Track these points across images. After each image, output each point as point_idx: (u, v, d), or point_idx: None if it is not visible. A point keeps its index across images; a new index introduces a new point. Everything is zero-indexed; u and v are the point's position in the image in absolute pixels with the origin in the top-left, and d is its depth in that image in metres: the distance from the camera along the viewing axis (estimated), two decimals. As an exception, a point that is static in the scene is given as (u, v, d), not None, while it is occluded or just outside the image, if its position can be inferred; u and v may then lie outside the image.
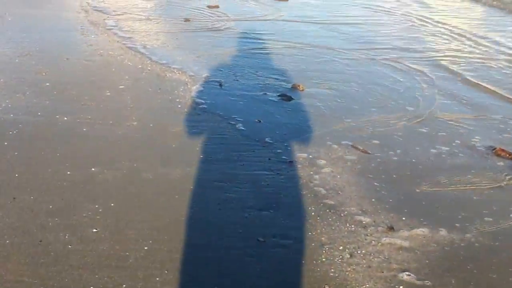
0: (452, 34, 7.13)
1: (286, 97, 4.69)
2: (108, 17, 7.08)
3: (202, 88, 4.77)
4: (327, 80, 5.18)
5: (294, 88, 4.93)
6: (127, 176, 3.26)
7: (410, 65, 5.76)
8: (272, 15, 7.79)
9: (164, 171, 3.35)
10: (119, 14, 7.25)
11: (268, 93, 4.77)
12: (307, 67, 5.54)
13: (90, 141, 3.68)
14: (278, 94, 4.76)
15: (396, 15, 8.36)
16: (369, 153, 3.82)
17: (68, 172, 3.27)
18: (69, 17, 7.00)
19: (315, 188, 3.32)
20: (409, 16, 8.30)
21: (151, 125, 3.97)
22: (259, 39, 6.49)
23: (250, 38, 6.52)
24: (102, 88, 4.60)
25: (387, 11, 8.65)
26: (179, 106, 4.36)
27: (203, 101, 4.47)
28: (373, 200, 3.23)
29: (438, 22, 7.89)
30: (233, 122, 4.11)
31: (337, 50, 6.17)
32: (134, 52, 5.68)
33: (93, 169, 3.32)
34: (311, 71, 5.42)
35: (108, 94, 4.51)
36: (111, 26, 6.65)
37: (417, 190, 3.37)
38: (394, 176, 3.53)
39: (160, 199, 3.06)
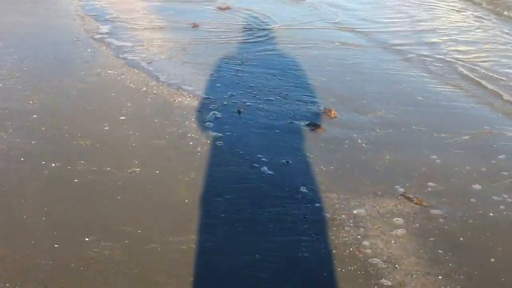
0: None
1: (315, 127, 4.03)
2: (106, 25, 6.42)
3: (218, 117, 4.14)
4: (370, 101, 4.53)
5: (326, 113, 4.26)
6: (128, 248, 2.63)
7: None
8: (299, 19, 7.09)
9: (175, 240, 2.72)
10: (118, 21, 6.60)
11: (295, 121, 4.13)
12: (343, 84, 4.87)
13: (83, 198, 3.05)
14: (306, 122, 4.10)
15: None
16: (426, 206, 3.17)
17: (56, 245, 2.64)
18: (63, 25, 6.37)
19: (365, 260, 2.68)
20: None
21: (157, 171, 3.34)
22: (282, 46, 5.83)
23: (271, 45, 5.86)
24: (99, 120, 3.98)
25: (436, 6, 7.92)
26: (191, 143, 3.73)
27: (219, 135, 3.84)
28: (440, 277, 2.59)
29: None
30: (257, 165, 3.48)
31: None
32: (137, 70, 5.05)
33: (86, 239, 2.69)
34: (349, 88, 4.76)
35: (106, 128, 3.88)
36: (110, 36, 6.01)
37: (492, 260, 2.72)
38: (461, 239, 2.87)
39: (171, 283, 2.43)
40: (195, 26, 6.59)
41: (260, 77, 5.02)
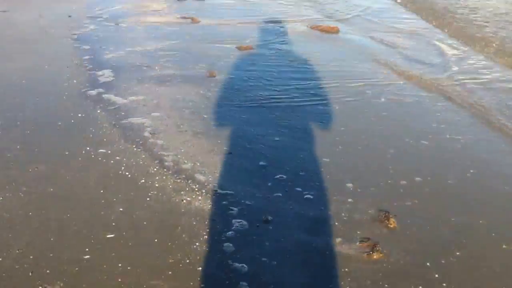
0: None
1: (370, 245, 3.02)
2: (104, 73, 5.48)
3: (239, 230, 3.13)
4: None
5: (381, 220, 3.25)
6: None
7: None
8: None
9: None
10: (121, 67, 5.67)
11: (344, 242, 3.10)
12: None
13: None
14: (359, 240, 3.10)
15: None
16: None
17: None
18: (53, 75, 5.49)
19: None
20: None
21: None
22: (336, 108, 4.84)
23: (316, 106, 4.88)
24: (78, 242, 2.98)
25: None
26: (203, 286, 2.70)
27: (244, 269, 2.83)
28: None
29: None
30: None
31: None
32: (136, 147, 4.06)
33: None
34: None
35: (86, 257, 2.87)
36: (108, 90, 5.10)
37: None
38: None
39: None
40: (211, 75, 5.60)
41: (300, 159, 4.01)
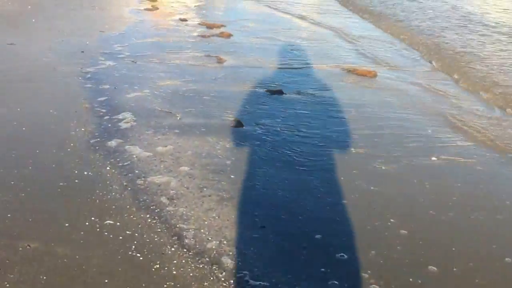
0: None
1: None
2: (117, 120, 4.87)
3: None
4: None
5: None
6: None
7: None
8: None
9: None
10: (136, 111, 5.08)
11: None
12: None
13: None
14: None
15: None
16: None
17: None
18: (56, 123, 4.90)
19: None
20: None
21: None
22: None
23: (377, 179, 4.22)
24: None
25: None
26: None
27: None
28: None
29: None
30: None
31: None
32: (150, 217, 3.45)
33: None
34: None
35: None
36: (117, 141, 4.44)
37: None
38: None
39: None
40: (237, 125, 4.95)
41: (355, 234, 3.33)
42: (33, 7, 8.95)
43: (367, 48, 8.10)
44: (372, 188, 3.98)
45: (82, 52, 6.83)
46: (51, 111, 5.03)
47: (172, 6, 10.16)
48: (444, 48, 8.04)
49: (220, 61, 6.94)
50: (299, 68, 6.82)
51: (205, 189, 3.86)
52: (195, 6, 10.56)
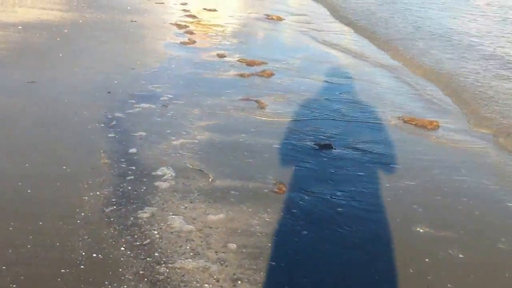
0: None
1: None
2: (135, 179, 4.18)
3: None
4: None
5: None
6: None
7: None
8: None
9: None
10: (155, 175, 4.38)
11: None
12: None
13: None
14: None
15: None
16: None
17: None
18: (68, 183, 4.28)
19: None
20: None
21: None
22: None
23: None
24: None
25: None
26: None
27: None
28: None
29: None
30: None
31: None
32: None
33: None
34: None
35: None
36: (135, 213, 3.76)
37: None
38: None
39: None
40: (279, 190, 4.23)
41: None
42: (62, 39, 8.44)
43: (424, 91, 7.32)
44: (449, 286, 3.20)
45: (109, 92, 6.23)
46: (64, 167, 4.37)
47: (209, 39, 9.56)
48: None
49: (261, 106, 6.25)
50: (349, 116, 6.07)
51: (239, 282, 3.14)
52: (233, 36, 9.94)
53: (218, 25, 10.87)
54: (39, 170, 4.32)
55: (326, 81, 7.46)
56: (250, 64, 8.08)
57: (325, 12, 13.73)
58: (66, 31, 8.95)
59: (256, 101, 6.40)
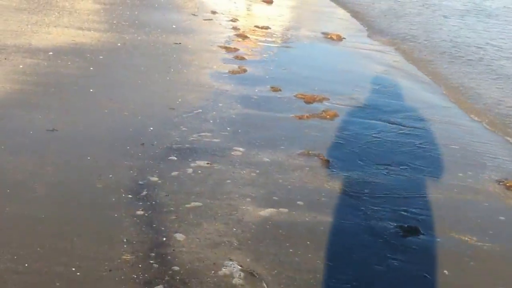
0: None
1: None
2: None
3: None
4: None
5: None
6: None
7: None
8: None
9: None
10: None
11: None
12: None
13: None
14: None
15: None
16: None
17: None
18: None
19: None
20: None
21: None
22: None
23: None
24: None
25: None
26: None
27: None
28: None
29: None
30: None
31: None
32: None
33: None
34: None
35: None
36: None
37: None
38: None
39: None
40: None
41: None
42: (96, 68, 7.53)
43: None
44: None
45: (142, 144, 5.25)
46: (72, 268, 3.37)
47: (262, 65, 8.50)
48: None
49: (324, 164, 5.15)
50: (439, 187, 4.91)
51: None
52: (288, 61, 8.86)
53: (271, 46, 9.81)
54: (36, 274, 3.33)
55: (404, 126, 6.30)
56: (309, 101, 6.99)
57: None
58: (101, 57, 8.04)
59: (317, 156, 5.30)
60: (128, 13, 11.20)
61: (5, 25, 9.09)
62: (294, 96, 7.12)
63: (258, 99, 6.86)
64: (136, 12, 11.34)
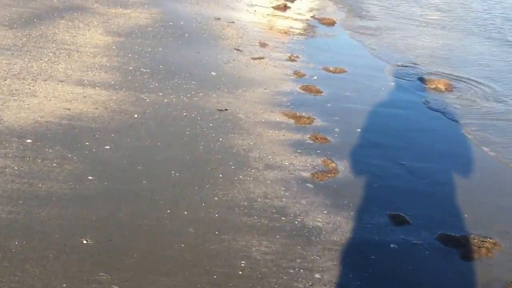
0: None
1: None
2: None
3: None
4: None
5: None
6: None
7: None
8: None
9: None
10: None
11: None
12: None
13: None
14: None
15: None
16: None
17: None
18: None
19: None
20: None
21: None
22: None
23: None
24: None
25: None
26: None
27: None
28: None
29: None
30: None
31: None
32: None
33: None
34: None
35: None
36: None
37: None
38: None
39: None
40: None
41: None
42: (98, 180, 4.67)
43: None
44: None
45: None
46: None
47: (347, 161, 5.61)
48: None
49: None
50: None
51: None
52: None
53: (356, 114, 6.87)
54: None
55: None
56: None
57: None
58: (107, 147, 5.19)
59: None
60: (149, 50, 8.33)
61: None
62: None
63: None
64: (160, 49, 8.46)
